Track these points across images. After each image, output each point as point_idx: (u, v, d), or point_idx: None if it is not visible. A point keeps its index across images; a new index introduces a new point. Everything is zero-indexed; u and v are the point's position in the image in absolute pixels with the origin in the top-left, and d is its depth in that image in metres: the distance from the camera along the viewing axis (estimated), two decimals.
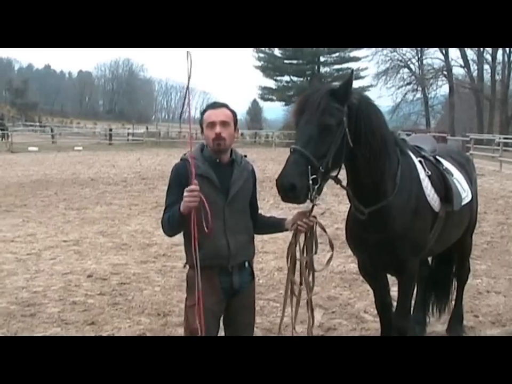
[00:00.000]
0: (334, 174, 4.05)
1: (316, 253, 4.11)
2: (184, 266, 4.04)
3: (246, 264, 4.06)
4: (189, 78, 3.57)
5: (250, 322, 4.19)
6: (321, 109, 3.77)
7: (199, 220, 3.65)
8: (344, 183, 4.34)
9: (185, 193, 3.59)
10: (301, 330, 6.27)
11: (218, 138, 3.83)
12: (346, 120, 3.88)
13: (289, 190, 3.59)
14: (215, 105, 3.97)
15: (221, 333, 4.12)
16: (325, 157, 3.75)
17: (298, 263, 4.13)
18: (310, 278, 4.17)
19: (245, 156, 4.14)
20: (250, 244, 4.08)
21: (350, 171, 4.24)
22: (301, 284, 4.12)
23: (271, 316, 6.68)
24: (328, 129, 3.78)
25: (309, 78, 67.24)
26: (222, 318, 4.08)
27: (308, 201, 3.75)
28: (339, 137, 3.83)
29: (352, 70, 4.03)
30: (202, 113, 3.95)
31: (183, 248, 4.03)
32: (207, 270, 3.76)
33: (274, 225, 4.23)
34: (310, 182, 3.62)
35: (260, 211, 4.33)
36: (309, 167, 3.62)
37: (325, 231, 4.15)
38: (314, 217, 4.03)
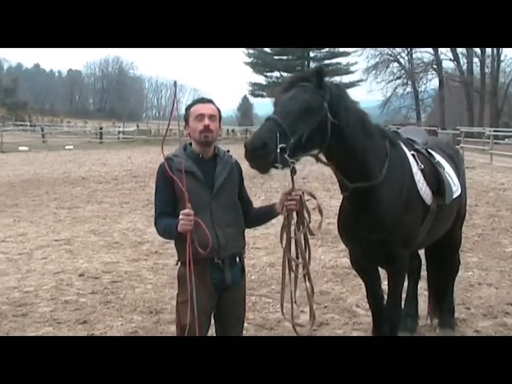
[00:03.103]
0: (314, 152, 4.08)
1: (310, 222, 4.11)
2: (177, 263, 4.05)
3: (237, 259, 4.08)
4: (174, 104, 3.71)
5: (241, 317, 4.22)
6: (306, 90, 3.86)
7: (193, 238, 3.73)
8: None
9: (180, 216, 3.68)
10: (300, 321, 6.30)
11: (206, 130, 3.90)
12: (327, 106, 3.94)
13: (259, 147, 3.58)
14: (203, 100, 4.08)
15: (211, 327, 4.14)
16: (298, 131, 3.75)
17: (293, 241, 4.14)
18: (307, 254, 4.19)
19: (228, 151, 4.19)
20: (240, 236, 4.10)
21: (333, 152, 4.23)
22: (297, 257, 4.13)
23: (263, 312, 6.68)
24: (308, 109, 3.83)
25: None
26: (213, 313, 4.10)
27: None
28: (316, 119, 3.87)
29: (321, 67, 4.08)
30: (188, 107, 4.03)
31: (174, 245, 4.06)
32: (199, 266, 3.79)
33: (266, 213, 4.25)
34: (278, 150, 3.59)
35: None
36: (278, 134, 3.61)
37: (314, 197, 4.20)
38: (299, 189, 4.03)
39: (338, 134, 4.03)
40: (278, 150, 3.59)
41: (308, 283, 4.24)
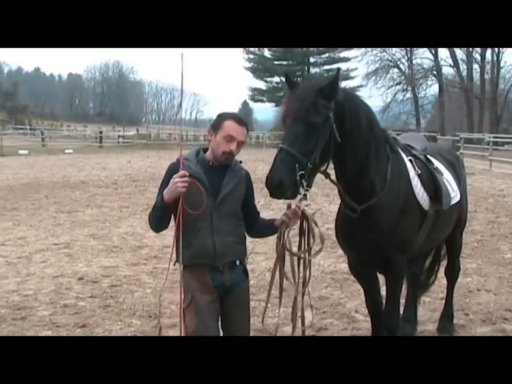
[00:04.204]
0: (322, 168, 4.10)
1: (310, 246, 4.10)
2: (174, 264, 4.04)
3: (238, 262, 4.07)
4: (182, 78, 3.64)
5: (246, 321, 4.20)
6: (307, 107, 3.82)
7: (185, 209, 3.72)
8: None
9: (176, 179, 3.63)
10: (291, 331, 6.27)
11: (230, 154, 3.89)
12: (333, 116, 3.91)
13: (278, 185, 3.65)
14: (241, 122, 3.95)
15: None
16: (312, 153, 3.80)
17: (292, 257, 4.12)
18: (307, 273, 4.17)
19: (240, 162, 4.16)
20: (239, 245, 4.07)
21: (339, 168, 4.26)
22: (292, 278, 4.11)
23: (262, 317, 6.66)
24: (314, 127, 3.82)
25: (299, 79, 67.36)
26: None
27: (298, 197, 3.82)
28: (326, 133, 3.88)
29: (339, 69, 4.10)
30: (222, 118, 3.95)
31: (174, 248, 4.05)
32: (198, 269, 3.83)
33: (267, 227, 4.20)
34: (298, 178, 3.68)
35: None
36: (295, 164, 3.68)
37: (316, 224, 4.11)
38: (299, 207, 3.99)
39: (346, 140, 4.04)
40: (298, 180, 3.70)
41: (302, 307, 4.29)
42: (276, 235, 4.09)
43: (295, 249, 4.12)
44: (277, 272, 4.08)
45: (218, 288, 3.96)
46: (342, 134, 3.99)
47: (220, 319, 4.10)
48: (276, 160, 3.74)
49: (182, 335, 3.98)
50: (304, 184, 3.74)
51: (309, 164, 3.77)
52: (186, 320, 3.90)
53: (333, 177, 4.35)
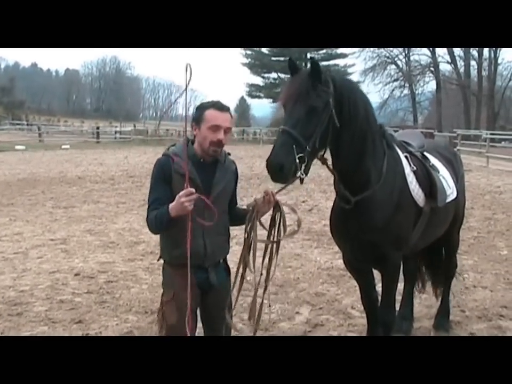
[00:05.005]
0: (320, 154, 4.14)
1: (279, 238, 3.98)
2: (158, 260, 4.03)
3: (221, 260, 4.05)
4: (186, 88, 3.55)
5: (228, 318, 4.07)
6: (308, 91, 3.87)
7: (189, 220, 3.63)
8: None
9: (183, 198, 3.51)
10: (288, 327, 6.29)
11: (219, 145, 3.76)
12: (333, 102, 3.97)
13: (278, 169, 3.67)
14: (222, 108, 3.80)
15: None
16: (312, 137, 3.84)
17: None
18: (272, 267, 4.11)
19: (229, 154, 4.06)
20: (226, 243, 4.06)
21: (336, 155, 4.27)
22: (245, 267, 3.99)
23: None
24: (315, 111, 3.88)
25: None
26: (198, 312, 4.06)
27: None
28: (325, 118, 3.93)
29: (312, 58, 4.11)
30: (203, 108, 3.80)
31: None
32: (184, 268, 3.65)
33: (243, 215, 3.99)
34: (297, 161, 3.70)
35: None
36: (295, 146, 3.71)
37: (295, 211, 4.05)
38: (273, 195, 3.87)
39: (343, 128, 4.08)
40: (298, 164, 3.71)
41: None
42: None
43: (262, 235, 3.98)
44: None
45: (201, 285, 3.91)
46: (340, 121, 4.03)
47: (201, 315, 4.08)
48: (277, 142, 3.78)
49: (159, 329, 4.02)
50: (303, 167, 3.74)
51: (308, 147, 3.79)
52: (166, 315, 3.89)
53: (330, 164, 4.36)
